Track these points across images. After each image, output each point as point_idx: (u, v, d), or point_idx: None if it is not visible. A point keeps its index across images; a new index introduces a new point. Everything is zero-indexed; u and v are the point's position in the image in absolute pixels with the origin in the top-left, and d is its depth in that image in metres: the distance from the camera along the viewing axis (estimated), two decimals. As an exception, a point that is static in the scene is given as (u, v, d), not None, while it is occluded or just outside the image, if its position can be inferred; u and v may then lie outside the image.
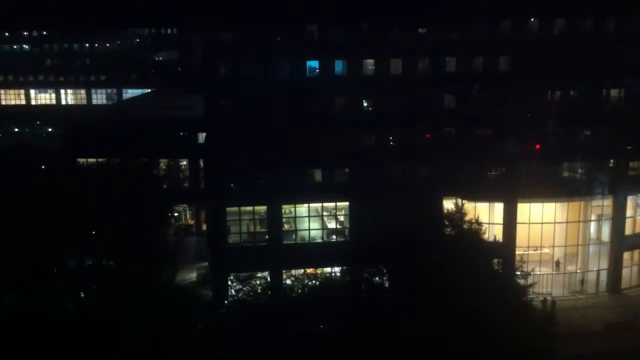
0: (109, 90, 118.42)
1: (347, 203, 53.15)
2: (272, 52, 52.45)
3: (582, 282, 56.17)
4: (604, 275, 56.52)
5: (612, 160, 56.12)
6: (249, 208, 52.62)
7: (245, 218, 52.53)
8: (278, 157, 50.87)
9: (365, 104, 56.27)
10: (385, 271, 38.72)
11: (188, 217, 69.79)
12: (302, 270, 50.77)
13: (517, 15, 54.19)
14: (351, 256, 43.97)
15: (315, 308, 33.52)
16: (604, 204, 55.98)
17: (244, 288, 41.10)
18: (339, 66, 54.82)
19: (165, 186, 63.91)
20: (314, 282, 42.89)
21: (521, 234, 54.42)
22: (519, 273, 42.27)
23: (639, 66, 55.45)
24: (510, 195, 54.00)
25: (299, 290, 39.19)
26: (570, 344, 41.52)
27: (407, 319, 30.84)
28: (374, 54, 54.03)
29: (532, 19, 55.31)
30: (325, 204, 53.56)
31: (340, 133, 52.21)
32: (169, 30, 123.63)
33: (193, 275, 56.98)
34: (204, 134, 61.72)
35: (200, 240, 63.55)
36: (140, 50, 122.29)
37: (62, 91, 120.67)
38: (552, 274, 55.21)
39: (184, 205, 69.29)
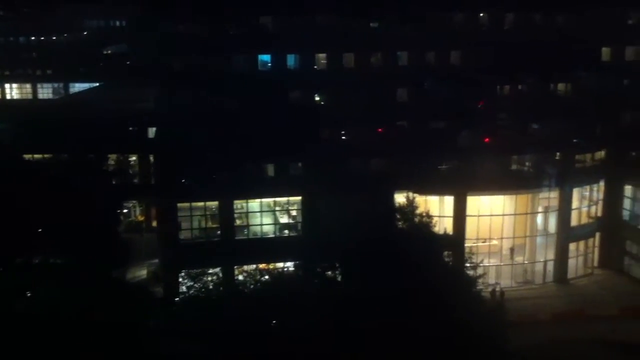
0: (56, 85, 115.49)
1: (299, 198, 53.15)
2: (224, 45, 52.05)
3: (530, 272, 57.41)
4: (550, 266, 57.89)
5: (558, 154, 57.35)
6: (201, 204, 52.20)
7: (197, 214, 52.07)
8: (230, 151, 50.51)
9: (318, 98, 56.40)
10: (337, 265, 38.82)
11: (138, 213, 68.75)
12: (255, 266, 50.57)
13: (468, 9, 55.10)
14: (304, 251, 43.96)
15: (267, 304, 33.41)
16: (550, 196, 57.29)
17: (196, 285, 40.60)
18: (291, 60, 54.83)
19: (114, 182, 62.87)
20: (266, 277, 42.70)
21: (471, 226, 55.32)
22: (468, 265, 42.86)
23: (586, 61, 56.87)
24: (460, 189, 54.80)
25: (252, 286, 38.95)
26: (520, 334, 42.33)
27: (359, 313, 30.98)
28: (326, 48, 54.13)
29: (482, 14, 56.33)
30: (277, 199, 53.48)
31: (292, 127, 52.11)
32: (118, 23, 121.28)
33: (143, 273, 56.20)
34: (154, 129, 60.85)
35: (151, 236, 62.68)
36: (89, 44, 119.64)
37: (7, 85, 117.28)
38: (500, 265, 56.28)
39: (134, 202, 68.22)
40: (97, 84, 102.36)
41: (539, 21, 56.62)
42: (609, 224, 59.90)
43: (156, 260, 56.71)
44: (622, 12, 58.55)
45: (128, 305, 33.87)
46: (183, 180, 52.02)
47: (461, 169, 55.28)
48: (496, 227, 56.16)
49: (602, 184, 59.43)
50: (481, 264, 43.24)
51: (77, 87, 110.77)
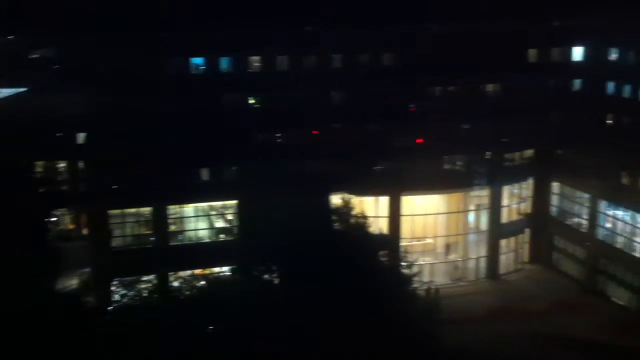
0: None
1: (235, 201, 52.73)
2: (155, 49, 51.24)
3: (464, 269, 58.54)
4: (483, 263, 59.18)
5: (488, 153, 58.66)
6: (133, 210, 51.17)
7: (129, 220, 51.02)
8: (163, 156, 49.69)
9: (252, 101, 56.14)
10: (275, 268, 38.66)
11: (68, 221, 66.76)
12: (191, 272, 49.91)
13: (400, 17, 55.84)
14: (240, 255, 43.59)
15: (204, 309, 32.99)
16: (481, 195, 58.59)
17: (129, 293, 39.69)
18: (224, 63, 54.42)
19: (42, 190, 60.97)
20: (203, 283, 42.15)
21: (405, 225, 56.04)
22: (404, 263, 43.31)
23: (513, 61, 58.40)
24: (394, 189, 55.46)
25: (187, 292, 38.37)
26: (454, 329, 43.10)
27: (296, 315, 30.91)
28: (260, 51, 53.95)
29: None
30: (213, 203, 52.91)
31: (227, 131, 51.70)
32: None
33: (74, 282, 54.57)
34: (84, 134, 59.22)
35: (82, 245, 60.94)
36: (15, 47, 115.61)
37: None
38: (435, 263, 57.19)
39: (64, 210, 66.21)
40: (24, 89, 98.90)
41: (470, 25, 57.80)
42: (538, 220, 61.72)
43: (87, 269, 55.16)
44: (548, 15, 60.40)
45: (58, 315, 32.87)
46: (114, 186, 50.83)
47: (395, 170, 55.94)
48: (430, 226, 57.08)
49: (530, 181, 61.15)
50: (416, 263, 43.75)
51: (3, 92, 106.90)
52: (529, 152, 61.00)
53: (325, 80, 54.71)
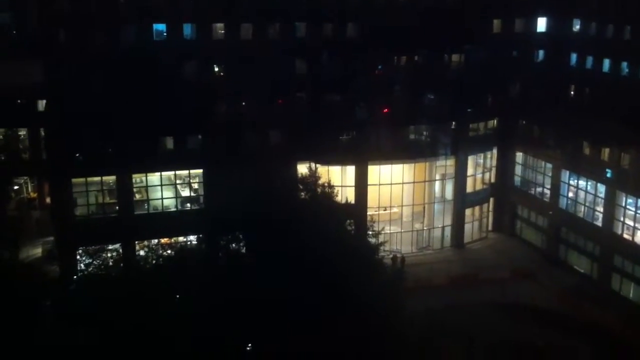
0: None
1: (200, 170, 52.33)
2: (116, 16, 50.22)
3: (429, 238, 59.21)
4: (448, 232, 59.90)
5: (453, 123, 59.04)
6: (97, 178, 50.47)
7: (93, 189, 50.35)
8: (126, 124, 48.92)
9: (217, 70, 55.46)
10: (241, 237, 38.59)
11: (30, 190, 65.69)
12: (157, 241, 49.60)
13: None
14: (206, 224, 43.43)
15: (170, 278, 32.87)
16: (447, 164, 59.07)
17: (94, 262, 39.34)
18: (187, 30, 53.56)
19: (2, 158, 59.78)
20: (169, 252, 41.95)
21: (372, 195, 56.33)
22: (370, 232, 43.64)
23: (477, 33, 58.60)
24: (361, 158, 55.58)
25: (153, 262, 38.15)
26: (418, 298, 43.81)
27: (264, 285, 30.99)
28: (222, 18, 53.16)
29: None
30: (178, 172, 52.42)
31: (191, 99, 51.03)
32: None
33: (38, 251, 53.95)
34: (45, 102, 58.02)
35: (45, 214, 60.12)
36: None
37: None
38: (401, 232, 57.70)
39: (25, 178, 65.06)
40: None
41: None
42: (502, 190, 62.56)
43: (51, 238, 54.53)
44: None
45: (21, 286, 32.46)
46: (77, 155, 49.99)
47: (361, 139, 56.00)
48: (396, 195, 57.43)
49: (494, 151, 61.80)
50: (382, 232, 44.05)
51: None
52: (492, 123, 61.39)
53: (290, 49, 54.31)
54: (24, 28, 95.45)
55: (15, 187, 64.16)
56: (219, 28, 54.20)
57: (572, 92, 63.57)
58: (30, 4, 74.14)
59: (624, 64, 57.81)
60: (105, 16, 50.52)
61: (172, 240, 50.04)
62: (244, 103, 55.17)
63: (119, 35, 51.38)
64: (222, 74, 55.32)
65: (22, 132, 62.72)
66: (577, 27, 62.26)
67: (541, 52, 63.56)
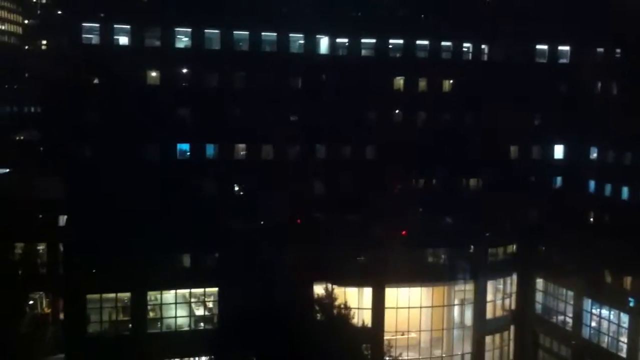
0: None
1: (215, 289, 51.80)
2: (135, 137, 51.85)
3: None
4: (468, 359, 57.87)
5: (472, 247, 58.58)
6: (112, 295, 50.02)
7: (107, 306, 49.80)
8: (143, 241, 49.06)
9: (236, 188, 56.35)
10: (255, 358, 37.63)
11: (44, 305, 65.13)
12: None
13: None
14: (219, 344, 42.46)
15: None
16: (466, 289, 57.95)
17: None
18: (210, 150, 54.87)
19: (20, 272, 59.77)
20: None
21: (389, 318, 55.03)
22: (387, 358, 42.33)
23: (495, 158, 59.48)
24: (378, 280, 54.79)
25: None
26: None
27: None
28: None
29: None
30: (193, 290, 51.87)
31: (208, 218, 51.49)
32: (32, 109, 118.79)
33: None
34: (65, 217, 58.73)
35: (57, 330, 59.24)
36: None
37: None
38: (419, 358, 55.78)
39: (40, 293, 64.70)
40: (7, 170, 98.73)
41: (449, 117, 59.19)
42: (523, 317, 60.92)
43: (62, 355, 53.35)
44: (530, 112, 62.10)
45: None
46: (93, 271, 49.86)
47: (379, 261, 55.48)
48: (414, 319, 56.06)
49: (514, 277, 60.78)
50: (400, 358, 42.67)
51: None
52: (512, 248, 60.83)
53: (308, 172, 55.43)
54: (50, 144, 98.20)
55: (30, 302, 63.71)
56: (241, 149, 55.53)
57: (591, 219, 63.39)
58: (58, 121, 76.87)
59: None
60: (126, 132, 52.00)
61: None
62: (262, 222, 55.41)
63: (142, 152, 52.62)
64: (241, 193, 56.01)
65: (41, 247, 63.08)
66: (594, 154, 63.14)
67: (559, 179, 64.09)
